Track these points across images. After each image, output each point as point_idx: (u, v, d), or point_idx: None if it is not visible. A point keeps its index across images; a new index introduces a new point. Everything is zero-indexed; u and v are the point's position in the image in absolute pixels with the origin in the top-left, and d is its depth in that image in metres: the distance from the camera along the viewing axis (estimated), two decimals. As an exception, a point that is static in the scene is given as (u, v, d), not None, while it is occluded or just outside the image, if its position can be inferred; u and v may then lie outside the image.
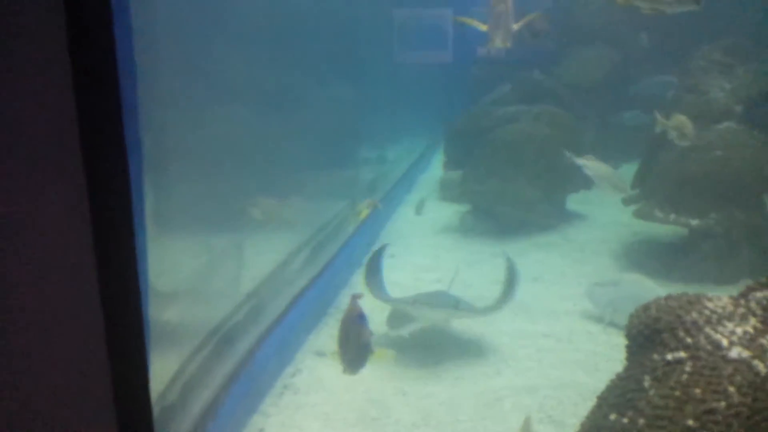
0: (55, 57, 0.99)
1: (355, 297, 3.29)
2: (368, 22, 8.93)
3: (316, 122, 6.63)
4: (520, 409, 3.72)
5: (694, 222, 5.77)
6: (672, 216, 5.83)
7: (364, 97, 8.38)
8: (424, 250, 6.82)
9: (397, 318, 4.61)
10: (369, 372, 4.18)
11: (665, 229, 6.23)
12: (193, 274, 3.87)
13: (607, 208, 7.55)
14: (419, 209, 8.22)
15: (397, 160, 10.28)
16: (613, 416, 1.97)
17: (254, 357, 3.75)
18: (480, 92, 9.89)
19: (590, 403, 2.52)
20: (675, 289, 2.91)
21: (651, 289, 4.57)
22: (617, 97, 9.94)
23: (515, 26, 5.74)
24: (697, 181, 5.95)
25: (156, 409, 2.80)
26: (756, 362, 1.74)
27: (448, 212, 8.09)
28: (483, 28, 5.76)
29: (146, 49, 2.42)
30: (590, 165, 5.92)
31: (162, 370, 3.07)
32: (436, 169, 10.15)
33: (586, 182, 7.79)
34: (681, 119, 5.86)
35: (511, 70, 9.78)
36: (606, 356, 4.33)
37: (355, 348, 3.12)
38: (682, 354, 1.94)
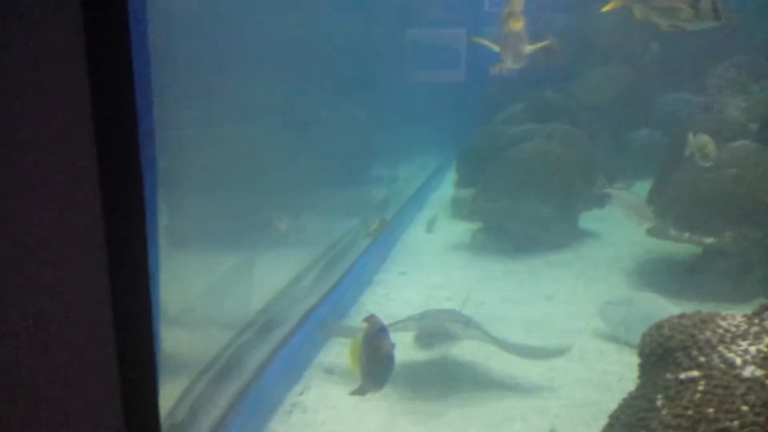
0: (73, 80, 1.01)
1: (370, 317, 3.19)
2: (381, 41, 9.00)
3: (329, 141, 6.67)
4: (530, 430, 3.67)
5: (708, 240, 5.71)
6: (686, 234, 5.78)
7: (376, 115, 8.42)
8: (436, 268, 6.79)
9: (424, 337, 4.63)
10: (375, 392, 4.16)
11: (679, 247, 6.17)
12: (204, 290, 3.88)
13: (620, 227, 7.49)
14: (430, 227, 8.20)
15: (409, 178, 10.29)
16: (624, 436, 1.94)
17: (263, 375, 3.74)
18: (492, 111, 9.92)
19: (602, 422, 2.48)
20: (688, 307, 2.88)
21: (664, 307, 4.51)
22: (631, 115, 9.92)
23: (528, 48, 5.73)
24: (712, 199, 5.90)
25: (164, 427, 2.80)
26: (769, 382, 1.71)
27: (459, 230, 8.06)
28: (496, 48, 5.76)
29: (162, 70, 2.45)
30: (618, 195, 5.87)
31: (171, 388, 3.07)
32: (447, 187, 10.15)
33: (599, 200, 7.76)
34: (704, 139, 5.79)
35: (524, 89, 9.80)
36: (618, 375, 4.27)
37: (379, 362, 3.05)
38: (695, 373, 1.91)
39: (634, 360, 2.57)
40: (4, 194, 1.01)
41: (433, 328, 4.42)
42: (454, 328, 4.36)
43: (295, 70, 5.58)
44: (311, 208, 6.12)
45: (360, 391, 3.12)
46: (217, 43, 4.28)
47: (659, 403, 1.92)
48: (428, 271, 6.65)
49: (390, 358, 3.01)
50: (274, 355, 3.94)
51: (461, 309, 4.93)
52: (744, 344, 1.92)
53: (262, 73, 4.90)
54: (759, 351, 1.86)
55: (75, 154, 1.03)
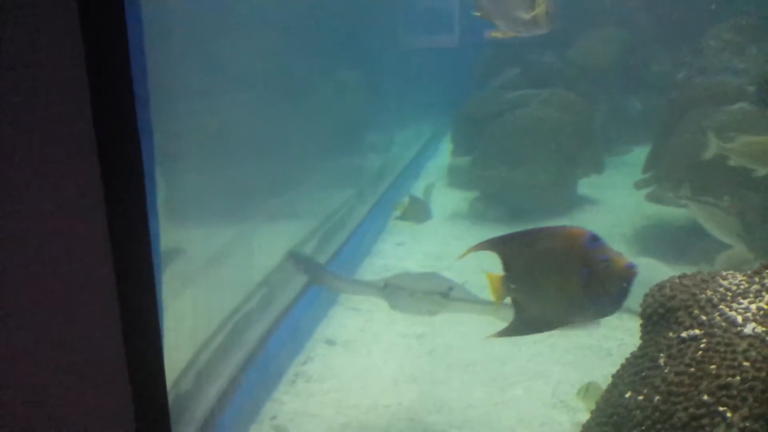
0: (69, 51, 0.99)
1: None
2: (374, 5, 8.87)
3: (323, 109, 6.60)
4: (532, 395, 3.71)
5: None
6: (683, 200, 5.77)
7: (369, 82, 8.33)
8: (434, 237, 6.79)
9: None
10: (379, 359, 4.19)
11: (678, 212, 6.17)
12: (204, 263, 3.87)
13: (619, 193, 7.49)
14: (426, 196, 8.16)
15: (404, 145, 10.24)
16: (628, 394, 1.95)
17: (266, 345, 3.76)
18: (487, 76, 9.82)
19: (603, 387, 2.50)
20: (688, 271, 2.88)
21: (664, 272, 4.51)
22: (628, 80, 9.84)
23: (526, 15, 5.61)
24: (710, 163, 5.88)
25: (170, 396, 2.81)
26: (771, 338, 1.73)
27: (457, 199, 8.05)
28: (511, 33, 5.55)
29: (155, 39, 2.41)
30: (703, 209, 5.45)
31: (176, 358, 3.08)
32: (443, 155, 10.10)
33: (597, 166, 7.75)
34: (750, 141, 5.17)
35: (520, 53, 9.69)
36: (618, 341, 4.30)
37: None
38: (696, 331, 1.92)
39: (635, 326, 2.58)
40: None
41: (401, 303, 3.47)
42: (427, 304, 3.42)
43: (287, 36, 5.49)
44: (306, 178, 6.09)
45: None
46: (209, 10, 4.20)
47: (662, 361, 1.93)
48: (426, 241, 6.64)
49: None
50: (275, 326, 3.95)
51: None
52: (745, 302, 1.93)
53: (254, 39, 4.82)
54: (759, 308, 1.87)
55: (73, 127, 1.02)
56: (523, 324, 2.26)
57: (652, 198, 6.03)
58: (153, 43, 2.35)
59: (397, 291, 3.40)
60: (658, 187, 6.05)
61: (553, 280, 2.13)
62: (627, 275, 2.09)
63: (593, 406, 2.21)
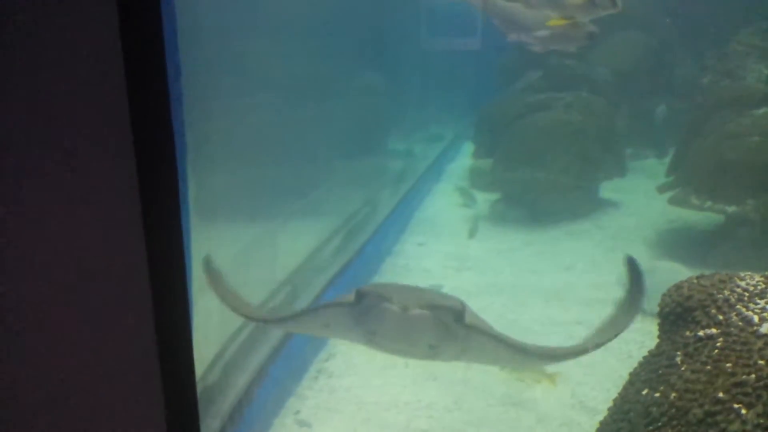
0: (107, 53, 1.04)
1: None
2: (397, 8, 8.93)
3: (347, 111, 6.68)
4: (551, 397, 3.74)
5: (731, 209, 5.69)
6: (708, 203, 5.76)
7: (392, 84, 8.39)
8: (454, 238, 6.83)
9: None
10: (400, 358, 4.24)
11: (700, 216, 6.15)
12: (231, 260, 3.96)
13: (641, 196, 7.48)
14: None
15: (426, 148, 10.28)
16: (645, 391, 2.00)
17: (290, 342, 3.84)
18: (509, 79, 9.82)
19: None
20: (710, 275, 2.90)
21: (685, 276, 4.52)
22: (652, 83, 9.79)
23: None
24: (734, 167, 5.86)
25: (199, 388, 2.89)
26: (786, 337, 1.77)
27: (478, 200, 8.08)
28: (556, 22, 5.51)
29: (188, 40, 2.49)
30: None
31: (204, 352, 3.16)
32: (464, 157, 10.13)
33: (619, 170, 7.74)
34: None
35: (542, 56, 9.67)
36: (639, 343, 4.31)
37: None
38: (713, 330, 1.96)
39: (655, 329, 2.61)
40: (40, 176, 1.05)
41: (385, 330, 2.28)
42: (429, 332, 2.22)
43: (313, 39, 5.58)
44: (330, 178, 6.17)
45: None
46: (238, 14, 4.30)
47: (678, 359, 1.97)
48: (446, 242, 6.69)
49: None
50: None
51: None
52: (762, 302, 1.97)
53: (282, 43, 4.92)
54: (776, 309, 1.91)
55: (110, 129, 1.07)
56: None
57: (675, 202, 6.02)
58: (186, 44, 2.44)
59: (379, 307, 2.11)
60: (681, 191, 6.03)
61: None
62: None
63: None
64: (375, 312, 2.18)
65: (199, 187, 3.41)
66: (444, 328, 2.18)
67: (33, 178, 1.07)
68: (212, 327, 3.44)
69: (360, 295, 2.28)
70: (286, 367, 3.73)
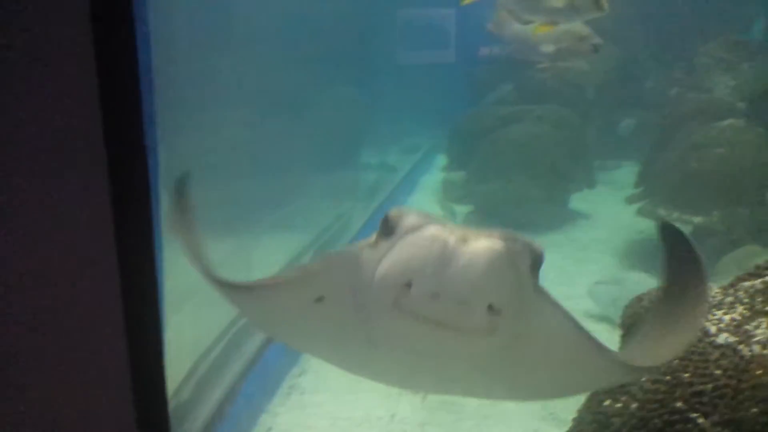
0: (81, 67, 1.04)
1: None
2: (370, 22, 8.99)
3: (320, 124, 6.70)
4: (523, 412, 3.76)
5: (697, 219, 5.80)
6: (675, 213, 5.87)
7: (365, 97, 8.44)
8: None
9: None
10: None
11: (669, 227, 6.26)
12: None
13: (611, 208, 7.59)
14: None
15: (399, 160, 10.32)
16: (607, 402, 2.04)
17: (263, 358, 3.82)
18: (481, 92, 9.94)
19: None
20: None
21: (654, 287, 4.59)
22: (622, 96, 9.96)
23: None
24: (700, 178, 5.99)
25: (171, 405, 2.87)
26: (741, 347, 1.83)
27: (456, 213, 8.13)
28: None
29: (162, 56, 2.49)
30: None
31: (177, 368, 3.14)
32: (437, 170, 10.18)
33: (589, 182, 7.86)
34: None
35: (513, 70, 9.80)
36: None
37: None
38: (673, 341, 2.02)
39: (617, 337, 2.66)
40: (10, 188, 1.05)
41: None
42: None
43: (286, 52, 5.59)
44: (304, 191, 6.17)
45: None
46: (210, 27, 4.30)
47: (639, 371, 2.02)
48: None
49: None
50: (270, 340, 4.01)
51: None
52: (719, 313, 2.03)
53: (255, 56, 4.93)
54: (732, 319, 1.98)
55: (84, 144, 1.07)
56: None
57: (643, 213, 6.13)
58: (160, 58, 2.44)
59: (423, 237, 1.44)
60: (649, 202, 6.15)
61: None
62: None
63: None
64: (414, 247, 1.44)
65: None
66: (516, 276, 1.44)
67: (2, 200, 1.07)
68: (185, 343, 3.42)
69: (391, 222, 1.51)
70: (258, 383, 3.72)
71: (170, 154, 3.06)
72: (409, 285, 1.43)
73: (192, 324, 3.58)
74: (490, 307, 1.42)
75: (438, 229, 1.40)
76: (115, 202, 1.11)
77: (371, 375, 1.94)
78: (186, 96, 3.77)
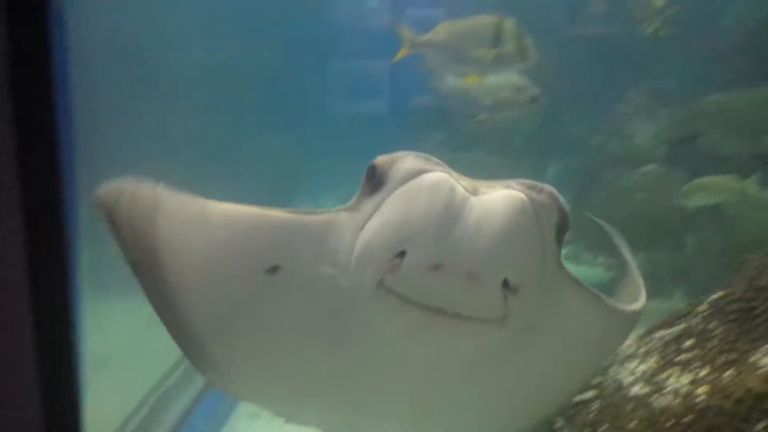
0: None
1: None
2: (303, 72, 9.08)
3: (251, 172, 6.66)
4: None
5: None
6: (600, 258, 6.04)
7: (299, 145, 8.46)
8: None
9: None
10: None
11: (594, 270, 6.43)
12: (128, 338, 3.80)
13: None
14: None
15: (338, 205, 10.31)
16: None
17: (189, 420, 3.69)
18: (416, 139, 10.09)
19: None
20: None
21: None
22: (549, 143, 10.27)
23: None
24: (623, 223, 6.17)
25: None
26: (653, 398, 1.87)
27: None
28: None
29: (83, 106, 2.44)
30: None
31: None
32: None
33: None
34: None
35: (446, 118, 10.01)
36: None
37: None
38: (591, 393, 2.05)
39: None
40: None
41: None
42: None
43: (214, 100, 5.57)
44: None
45: None
46: (132, 77, 4.25)
47: (559, 425, 2.04)
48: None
49: None
50: (198, 401, 3.88)
51: None
52: (634, 363, 2.08)
53: (177, 108, 4.89)
54: (645, 370, 2.02)
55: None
56: None
57: (568, 258, 6.28)
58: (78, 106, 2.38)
59: (426, 187, 1.16)
60: (573, 247, 6.31)
61: None
62: None
63: None
64: (410, 202, 1.11)
65: (94, 255, 3.28)
66: (540, 241, 1.16)
67: None
68: (111, 405, 3.28)
69: (379, 172, 1.18)
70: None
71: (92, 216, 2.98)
72: (401, 255, 1.06)
73: (119, 386, 3.43)
74: (506, 283, 1.09)
75: (441, 177, 1.07)
76: (31, 257, 1.07)
77: (323, 407, 1.45)
78: (109, 147, 3.69)
